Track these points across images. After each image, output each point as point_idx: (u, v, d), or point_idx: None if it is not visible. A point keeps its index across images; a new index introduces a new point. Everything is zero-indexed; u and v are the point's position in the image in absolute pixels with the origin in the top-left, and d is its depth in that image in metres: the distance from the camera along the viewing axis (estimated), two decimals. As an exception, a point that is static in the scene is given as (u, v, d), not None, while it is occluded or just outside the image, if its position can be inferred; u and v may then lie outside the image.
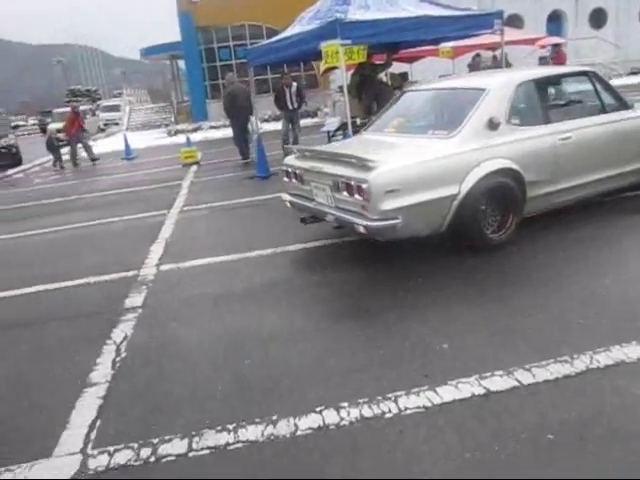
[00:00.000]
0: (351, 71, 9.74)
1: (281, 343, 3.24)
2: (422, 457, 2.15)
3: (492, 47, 20.19)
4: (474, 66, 19.68)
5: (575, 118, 4.83)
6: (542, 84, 4.93)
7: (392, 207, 3.85)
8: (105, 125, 30.27)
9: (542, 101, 4.81)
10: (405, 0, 8.44)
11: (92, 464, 2.32)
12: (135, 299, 4.15)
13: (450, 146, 4.21)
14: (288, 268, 4.58)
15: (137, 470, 2.26)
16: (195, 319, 3.74)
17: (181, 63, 28.95)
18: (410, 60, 20.38)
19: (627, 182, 5.14)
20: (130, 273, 4.77)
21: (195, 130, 21.57)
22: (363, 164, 3.93)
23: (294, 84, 11.18)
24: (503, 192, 4.23)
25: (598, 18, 27.86)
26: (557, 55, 16.07)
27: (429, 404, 2.46)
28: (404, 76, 13.25)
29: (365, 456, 2.20)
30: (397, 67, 20.01)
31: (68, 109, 16.81)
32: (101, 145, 19.33)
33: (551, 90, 5.78)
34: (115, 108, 33.19)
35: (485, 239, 4.25)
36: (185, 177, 10.40)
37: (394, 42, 8.58)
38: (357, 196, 3.95)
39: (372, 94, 9.25)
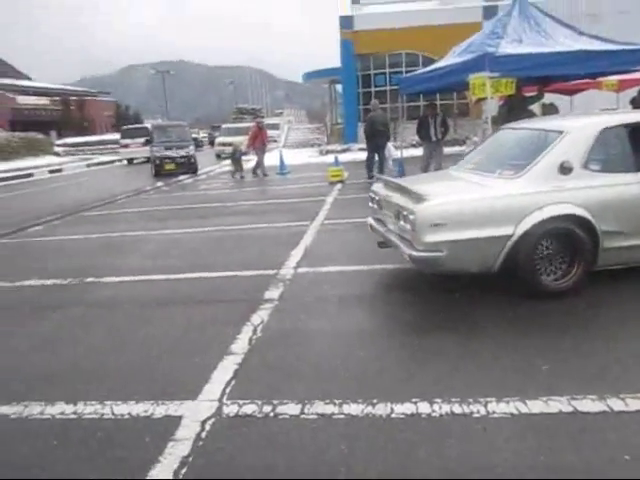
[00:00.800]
0: (501, 102, 9.83)
1: (390, 340, 3.65)
2: (501, 451, 2.41)
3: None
4: (638, 100, 18.32)
5: None
6: (633, 129, 4.51)
7: (436, 240, 4.02)
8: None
9: (630, 148, 4.45)
10: (563, 34, 8.44)
11: (225, 410, 2.91)
12: (273, 293, 4.81)
13: (510, 187, 4.23)
14: (413, 280, 4.94)
15: (259, 420, 2.80)
16: (322, 314, 4.27)
17: (339, 87, 30.52)
18: (571, 93, 19.60)
19: None
20: (271, 272, 5.46)
21: (344, 151, 22.64)
22: (417, 197, 4.13)
23: (440, 114, 11.12)
24: (567, 239, 4.12)
25: None
26: None
27: (516, 412, 2.70)
28: (554, 107, 12.88)
29: (449, 444, 2.51)
30: (556, 99, 19.37)
31: (248, 124, 18.72)
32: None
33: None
34: (275, 127, 35.84)
35: (540, 285, 4.16)
36: (330, 194, 11.19)
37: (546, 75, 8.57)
38: (408, 226, 4.19)
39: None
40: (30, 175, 22.21)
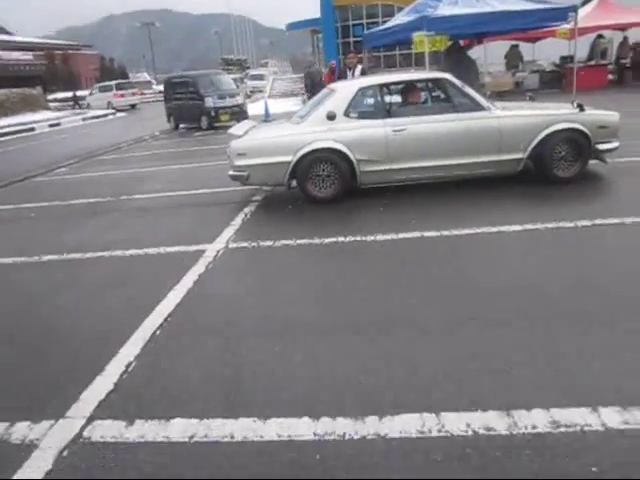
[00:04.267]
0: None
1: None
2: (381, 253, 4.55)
3: (621, 28, 20.43)
4: (594, 48, 20.08)
5: (414, 115, 6.07)
6: (386, 88, 6.47)
7: (241, 164, 6.17)
8: (251, 92, 34.27)
9: (378, 102, 6.20)
10: (492, -5, 10.22)
11: (231, 246, 5.02)
12: (258, 196, 6.90)
13: (295, 129, 6.21)
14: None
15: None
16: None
17: (321, 36, 31.75)
18: (533, 41, 21.27)
19: (477, 172, 6.07)
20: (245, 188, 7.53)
21: (325, 99, 24.33)
22: (234, 137, 6.40)
23: (359, 66, 10.64)
24: (331, 164, 5.95)
25: None
26: None
27: (396, 237, 4.82)
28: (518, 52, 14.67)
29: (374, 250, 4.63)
30: (521, 47, 21.05)
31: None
32: (249, 109, 22.82)
33: (397, 92, 7.02)
34: (260, 77, 37.20)
35: (312, 195, 6.08)
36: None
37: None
38: (228, 155, 6.42)
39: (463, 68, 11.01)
40: (33, 129, 23.76)
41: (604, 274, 3.76)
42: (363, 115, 6.23)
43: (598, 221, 4.76)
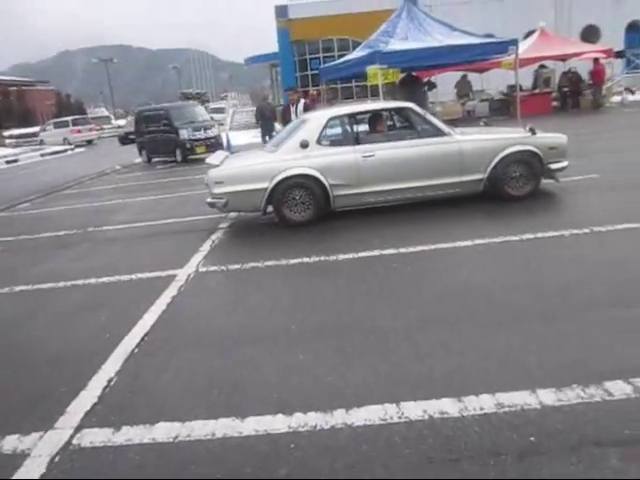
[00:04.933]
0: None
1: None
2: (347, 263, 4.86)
3: (562, 59, 21.83)
4: (538, 77, 21.37)
5: (382, 142, 6.48)
6: (354, 117, 6.90)
7: (220, 192, 6.43)
8: (212, 125, 34.67)
9: (347, 130, 6.72)
10: (439, 31, 10.98)
11: (201, 270, 5.25)
12: (224, 224, 7.16)
13: (269, 157, 6.54)
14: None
15: (232, 273, 5.16)
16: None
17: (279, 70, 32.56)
18: (481, 71, 22.47)
19: (444, 192, 6.49)
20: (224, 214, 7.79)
21: (286, 130, 24.92)
22: (211, 166, 6.70)
23: (302, 100, 11.17)
24: (305, 189, 6.30)
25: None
26: (595, 70, 17.23)
27: (356, 256, 5.15)
28: (468, 81, 15.75)
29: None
30: (471, 77, 22.21)
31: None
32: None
33: (364, 120, 7.33)
34: (221, 110, 37.72)
35: (288, 219, 6.38)
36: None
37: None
38: (206, 184, 6.74)
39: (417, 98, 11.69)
40: (-11, 166, 23.46)
41: (541, 279, 4.17)
42: (334, 143, 6.65)
43: (540, 234, 5.22)
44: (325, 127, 6.57)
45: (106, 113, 55.93)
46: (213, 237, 6.59)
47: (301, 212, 6.44)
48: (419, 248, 5.21)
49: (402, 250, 5.21)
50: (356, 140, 6.61)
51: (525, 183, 6.51)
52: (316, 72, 27.03)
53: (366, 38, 14.15)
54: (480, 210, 6.46)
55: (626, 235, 5.00)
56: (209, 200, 6.67)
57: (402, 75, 10.39)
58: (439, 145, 6.45)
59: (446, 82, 20.21)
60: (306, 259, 5.28)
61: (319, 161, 6.34)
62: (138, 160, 18.78)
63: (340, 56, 19.61)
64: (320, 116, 6.80)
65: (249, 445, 2.55)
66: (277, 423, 2.68)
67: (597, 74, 17.29)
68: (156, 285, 4.97)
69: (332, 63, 13.00)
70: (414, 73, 11.90)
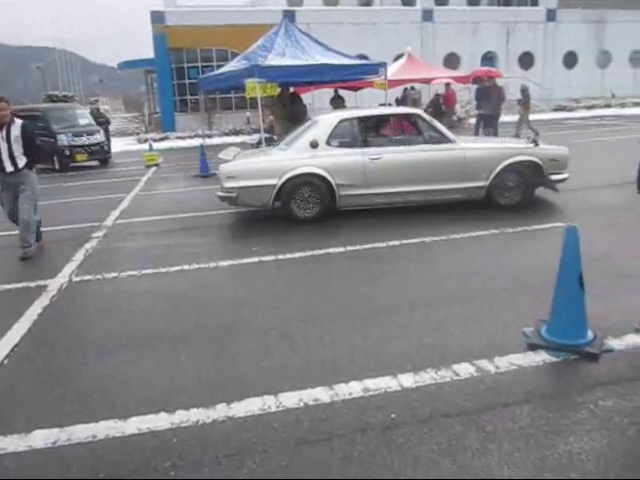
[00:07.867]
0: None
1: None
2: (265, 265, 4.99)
3: (426, 81, 23.64)
4: (405, 98, 22.99)
5: (389, 145, 6.81)
6: (363, 120, 7.05)
7: (231, 186, 6.60)
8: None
9: (356, 132, 6.84)
10: (315, 50, 11.45)
11: (75, 279, 5.09)
12: (99, 233, 6.95)
13: (280, 155, 6.83)
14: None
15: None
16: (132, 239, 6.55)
17: (155, 76, 31.64)
18: (355, 89, 23.63)
19: (447, 197, 6.78)
20: (96, 223, 7.53)
21: (162, 139, 24.31)
22: (222, 161, 6.94)
23: (17, 121, 6.81)
24: (313, 187, 6.56)
25: (527, 60, 31.79)
26: (447, 94, 19.03)
27: (258, 261, 5.31)
28: (342, 99, 16.56)
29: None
30: (345, 95, 23.23)
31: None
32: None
33: (373, 124, 7.71)
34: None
35: (295, 215, 6.63)
36: (145, 174, 13.23)
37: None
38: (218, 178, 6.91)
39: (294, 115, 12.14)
40: None
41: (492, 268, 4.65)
42: (343, 144, 6.84)
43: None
44: (335, 129, 6.79)
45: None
46: (87, 246, 6.37)
47: (307, 209, 6.69)
48: (400, 242, 5.51)
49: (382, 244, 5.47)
50: (364, 142, 6.84)
51: (517, 193, 6.81)
52: (194, 81, 26.99)
53: (244, 50, 14.41)
54: (465, 214, 6.97)
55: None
56: (220, 194, 6.78)
57: (279, 89, 10.70)
58: (444, 151, 6.74)
59: (323, 99, 21.07)
60: (206, 264, 5.34)
61: (327, 161, 6.59)
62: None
63: (219, 66, 19.52)
64: (330, 118, 7.03)
65: (132, 442, 2.61)
66: (160, 421, 2.76)
67: (448, 98, 19.14)
68: (27, 295, 4.75)
69: (211, 73, 12.98)
70: (292, 89, 12.32)
